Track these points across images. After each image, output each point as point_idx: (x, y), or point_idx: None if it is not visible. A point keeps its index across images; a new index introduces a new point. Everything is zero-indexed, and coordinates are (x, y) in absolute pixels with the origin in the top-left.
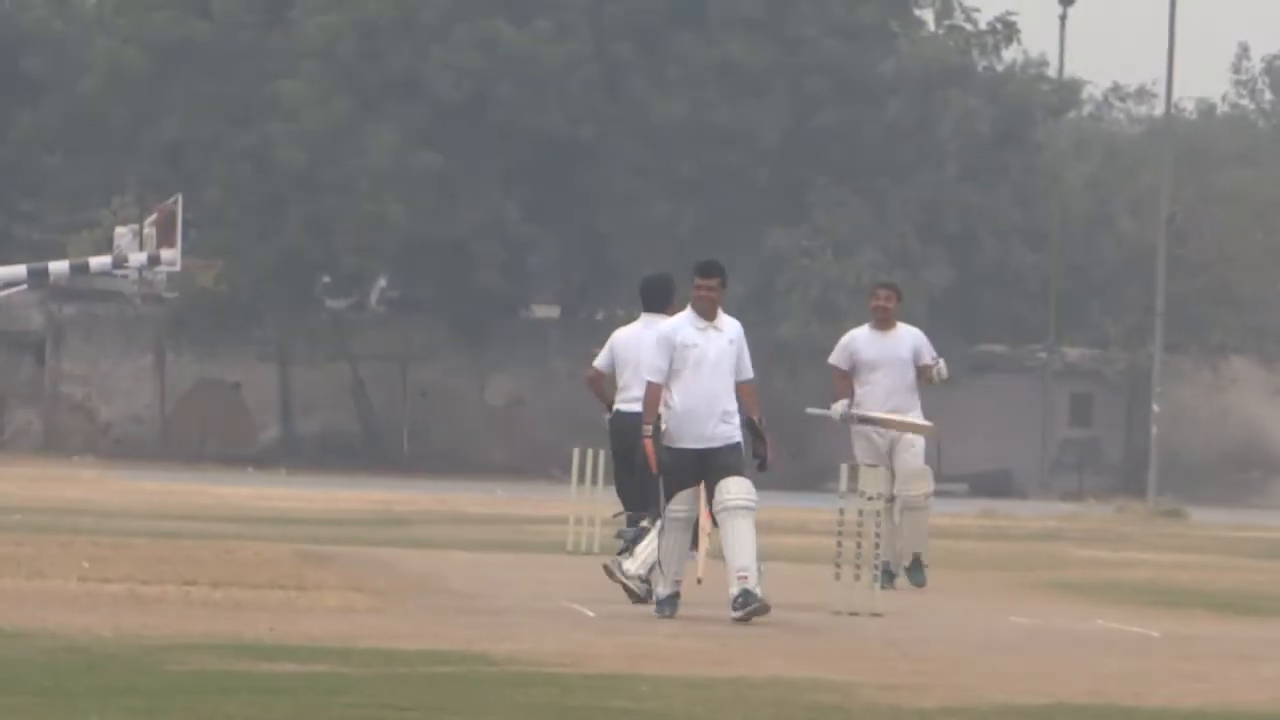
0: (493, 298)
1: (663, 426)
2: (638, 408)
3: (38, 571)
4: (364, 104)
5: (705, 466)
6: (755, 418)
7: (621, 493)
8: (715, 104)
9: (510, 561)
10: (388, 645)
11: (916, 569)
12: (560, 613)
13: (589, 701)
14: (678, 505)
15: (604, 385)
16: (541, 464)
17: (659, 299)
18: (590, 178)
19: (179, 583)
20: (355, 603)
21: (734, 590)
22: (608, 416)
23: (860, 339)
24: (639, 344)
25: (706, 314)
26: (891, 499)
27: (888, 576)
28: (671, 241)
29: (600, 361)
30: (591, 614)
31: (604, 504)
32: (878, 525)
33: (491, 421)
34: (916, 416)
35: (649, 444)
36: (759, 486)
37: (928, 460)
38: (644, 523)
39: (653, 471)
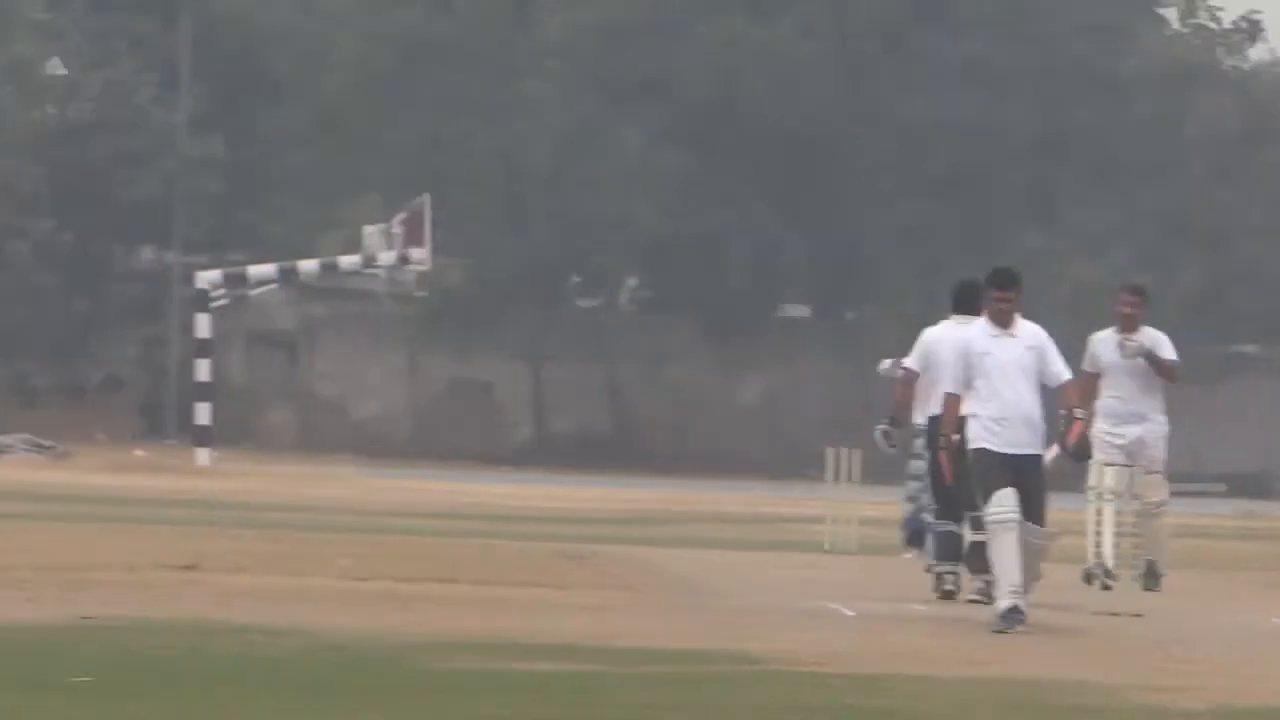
0: (743, 297)
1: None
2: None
3: (298, 570)
4: (610, 102)
5: (1013, 472)
6: (1071, 409)
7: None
8: (961, 102)
9: (767, 561)
10: (647, 644)
11: (1151, 576)
12: (819, 612)
13: (848, 701)
14: (999, 507)
15: (912, 390)
16: (794, 463)
17: (970, 302)
18: (839, 176)
19: (438, 581)
20: (613, 602)
21: (1003, 605)
22: (883, 428)
23: (1103, 342)
24: (948, 345)
25: (1003, 323)
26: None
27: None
28: (923, 240)
29: (912, 361)
30: (850, 613)
31: (860, 503)
32: (1123, 525)
33: (743, 420)
34: (1157, 423)
35: (944, 456)
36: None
37: (1178, 461)
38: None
39: (946, 482)
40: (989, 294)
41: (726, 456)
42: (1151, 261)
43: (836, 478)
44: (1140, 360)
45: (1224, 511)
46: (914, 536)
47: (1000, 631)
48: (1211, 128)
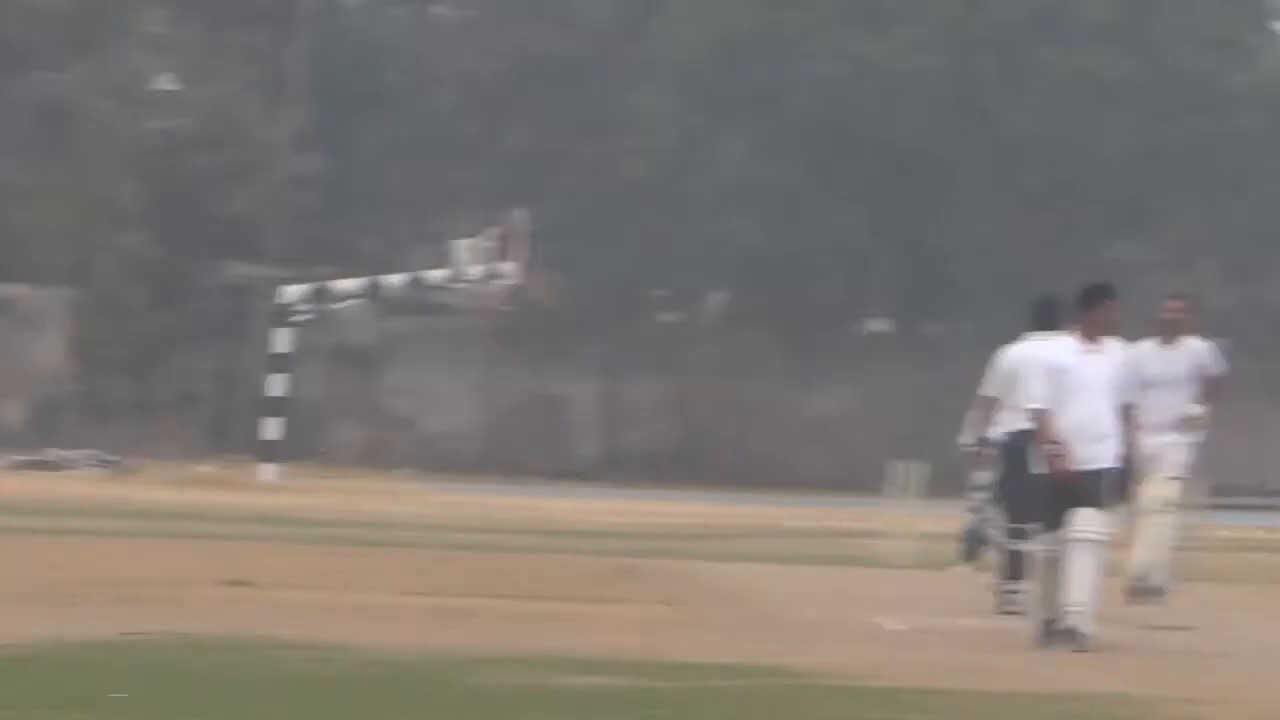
0: (827, 311)
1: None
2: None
3: (351, 584)
4: (718, 117)
5: (1074, 492)
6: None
7: (1015, 511)
8: (1069, 115)
9: (822, 575)
10: (690, 658)
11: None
12: (866, 627)
13: (887, 715)
14: (1085, 526)
15: (991, 413)
16: (868, 478)
17: (1050, 318)
18: (935, 191)
19: (487, 596)
20: (660, 616)
21: (1063, 624)
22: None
23: (1146, 352)
24: (1029, 363)
25: (1094, 336)
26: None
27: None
28: (1010, 255)
29: (990, 386)
30: (901, 628)
31: (920, 516)
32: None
33: (815, 435)
34: (1187, 439)
35: (1064, 463)
36: None
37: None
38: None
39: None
40: (1094, 306)
41: (795, 471)
42: (1241, 275)
43: (900, 491)
44: (1184, 371)
45: None
46: (973, 548)
47: (1080, 650)
48: None
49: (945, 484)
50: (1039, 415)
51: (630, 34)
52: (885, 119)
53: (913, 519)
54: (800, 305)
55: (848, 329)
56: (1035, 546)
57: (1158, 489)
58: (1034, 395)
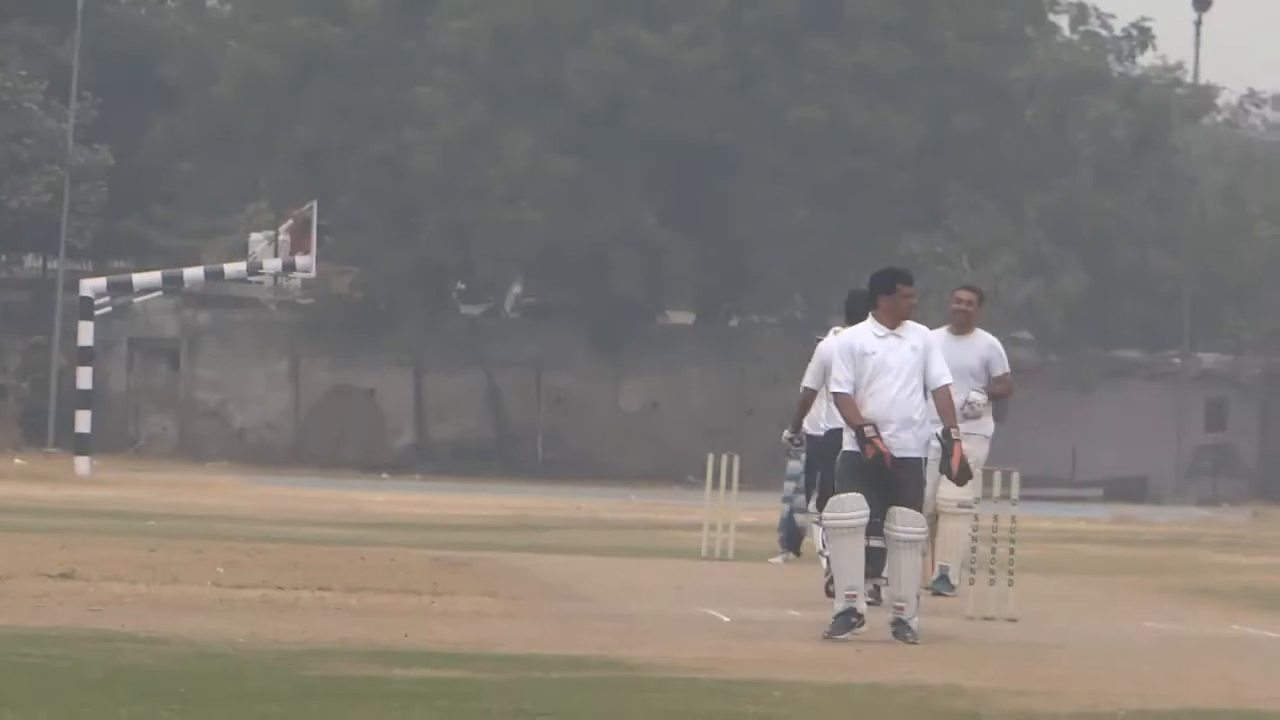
0: (628, 304)
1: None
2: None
3: (172, 577)
4: (500, 110)
5: (881, 476)
6: (948, 428)
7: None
8: (852, 109)
9: (644, 567)
10: (522, 651)
11: (941, 582)
12: (695, 618)
13: (722, 707)
14: (846, 511)
15: (809, 406)
16: (676, 470)
17: (863, 312)
18: (727, 183)
19: (313, 588)
20: (489, 608)
21: (890, 618)
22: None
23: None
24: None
25: (895, 322)
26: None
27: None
28: (807, 247)
29: (810, 380)
30: (727, 619)
31: (739, 509)
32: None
33: (626, 427)
34: (983, 423)
35: (879, 442)
36: None
37: (1060, 465)
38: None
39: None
40: (891, 292)
41: (607, 463)
42: (1035, 267)
43: (715, 484)
44: (973, 362)
45: (1101, 516)
46: (790, 538)
47: (829, 638)
48: (1099, 134)
49: (756, 476)
50: (843, 400)
51: (407, 26)
52: (669, 112)
53: (731, 511)
54: (600, 297)
55: (649, 321)
56: (832, 519)
57: (954, 491)
58: (838, 380)
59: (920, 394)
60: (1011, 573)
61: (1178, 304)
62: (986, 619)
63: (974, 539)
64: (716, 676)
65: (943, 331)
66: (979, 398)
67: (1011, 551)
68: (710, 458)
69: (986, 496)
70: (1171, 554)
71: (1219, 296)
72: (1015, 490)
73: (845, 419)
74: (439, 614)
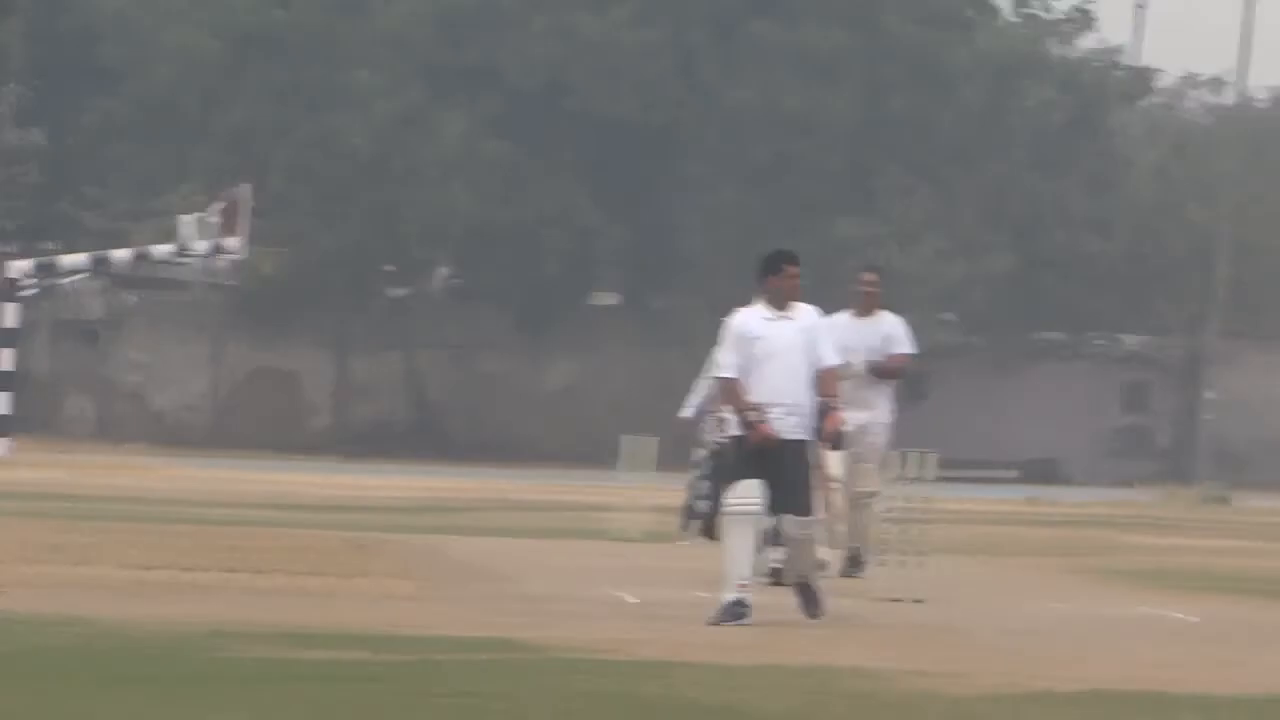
0: (556, 286)
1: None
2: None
3: (83, 559)
4: (437, 92)
5: (767, 460)
6: (826, 398)
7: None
8: (789, 90)
9: (557, 548)
10: (429, 632)
11: (852, 564)
12: (602, 600)
13: (628, 688)
14: (740, 499)
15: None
16: (599, 451)
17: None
18: (660, 165)
19: (222, 570)
20: (398, 590)
21: (729, 597)
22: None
23: (839, 325)
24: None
25: (783, 303)
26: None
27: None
28: (738, 229)
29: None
30: (634, 601)
31: (652, 490)
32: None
33: (548, 409)
34: (882, 411)
35: (764, 429)
36: None
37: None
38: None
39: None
40: (777, 273)
41: (527, 445)
42: (965, 249)
43: (629, 465)
44: (877, 342)
45: (1015, 497)
46: (691, 521)
47: (715, 624)
48: (1036, 117)
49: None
50: (728, 384)
51: (347, 8)
52: (606, 94)
53: (643, 492)
54: (528, 279)
55: (576, 302)
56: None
57: (863, 480)
58: (723, 364)
59: (808, 377)
60: (922, 554)
61: (1105, 286)
62: (894, 600)
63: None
64: (623, 658)
65: (844, 316)
66: (858, 366)
67: (922, 533)
68: (623, 439)
69: (902, 477)
70: (1083, 535)
71: (1146, 278)
72: (931, 471)
73: (731, 403)
74: (348, 596)
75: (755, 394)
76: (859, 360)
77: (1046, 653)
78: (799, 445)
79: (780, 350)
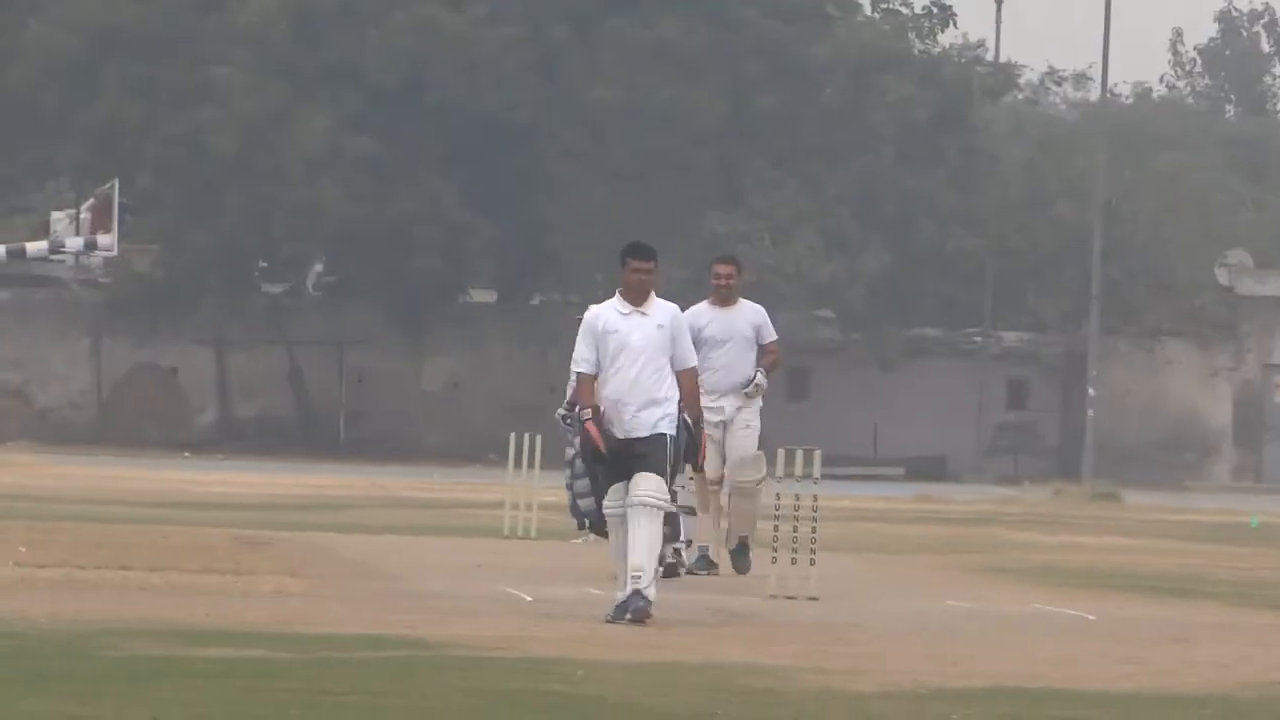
0: (430, 282)
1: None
2: None
3: None
4: (299, 90)
5: (628, 456)
6: (688, 417)
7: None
8: (652, 87)
9: (446, 546)
10: (323, 630)
11: (741, 553)
12: (497, 597)
13: (525, 685)
14: (615, 500)
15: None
16: (478, 449)
17: None
18: (527, 162)
19: (115, 568)
20: (290, 588)
21: (623, 592)
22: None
23: (702, 314)
24: None
25: (636, 298)
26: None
27: (706, 563)
28: (609, 226)
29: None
30: (528, 598)
31: (540, 488)
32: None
33: (428, 406)
34: (755, 402)
35: (591, 427)
36: None
37: (861, 444)
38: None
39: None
40: (622, 266)
41: (410, 442)
42: (837, 245)
43: (517, 463)
44: (746, 329)
45: (903, 495)
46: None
47: (612, 621)
48: (899, 113)
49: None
50: (581, 379)
51: (205, 5)
52: (467, 91)
53: (531, 490)
54: (402, 276)
55: (451, 300)
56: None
57: (743, 470)
58: (578, 359)
59: (665, 373)
60: (813, 551)
61: (980, 282)
62: (788, 598)
63: (775, 517)
64: (519, 655)
65: (704, 306)
66: (764, 380)
67: (813, 530)
68: (512, 436)
69: (788, 475)
70: (971, 532)
71: (1019, 275)
72: (817, 469)
73: (580, 399)
74: (240, 593)
75: (611, 388)
76: (762, 378)
77: (944, 650)
78: (656, 438)
79: (635, 346)
